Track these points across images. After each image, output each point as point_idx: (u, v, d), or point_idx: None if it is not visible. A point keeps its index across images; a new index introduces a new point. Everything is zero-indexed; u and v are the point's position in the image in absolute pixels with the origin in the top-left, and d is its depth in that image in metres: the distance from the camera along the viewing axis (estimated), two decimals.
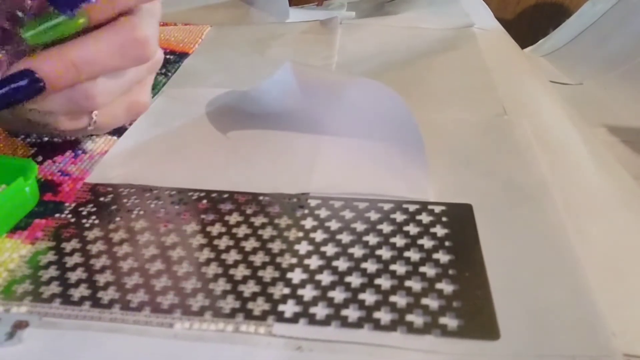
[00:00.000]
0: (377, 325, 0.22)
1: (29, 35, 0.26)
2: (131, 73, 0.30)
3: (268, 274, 0.25)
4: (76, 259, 0.26)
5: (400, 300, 0.23)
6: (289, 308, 0.23)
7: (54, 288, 0.25)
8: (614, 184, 0.32)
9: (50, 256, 0.26)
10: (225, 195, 0.30)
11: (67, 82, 0.27)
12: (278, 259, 0.26)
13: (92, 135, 0.35)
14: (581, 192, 0.31)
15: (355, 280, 0.25)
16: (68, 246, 0.27)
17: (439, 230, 0.27)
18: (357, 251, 0.26)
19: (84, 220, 0.28)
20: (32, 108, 0.28)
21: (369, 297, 0.24)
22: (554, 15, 0.80)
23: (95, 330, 0.23)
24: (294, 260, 0.26)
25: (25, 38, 0.26)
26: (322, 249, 0.26)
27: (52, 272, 0.25)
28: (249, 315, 0.23)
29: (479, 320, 0.22)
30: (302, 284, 0.24)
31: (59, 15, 0.26)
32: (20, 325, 0.23)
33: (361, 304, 0.23)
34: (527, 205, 0.29)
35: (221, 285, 0.24)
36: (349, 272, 0.25)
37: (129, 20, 0.28)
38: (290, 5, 0.62)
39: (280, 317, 0.23)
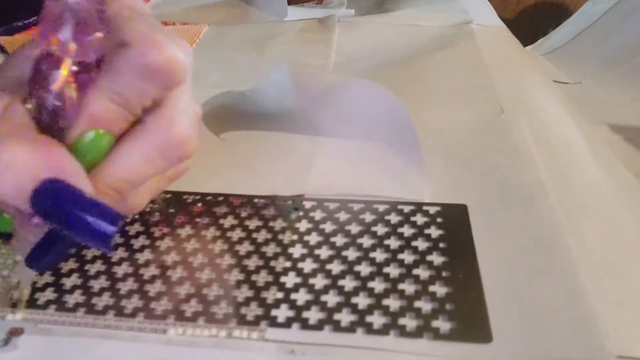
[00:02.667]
0: (370, 329, 0.22)
1: None
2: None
3: (262, 278, 0.25)
4: (71, 264, 0.26)
5: (393, 303, 0.23)
6: (282, 313, 0.23)
7: (49, 294, 0.25)
8: (615, 183, 0.32)
9: None
10: (220, 198, 0.30)
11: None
12: (272, 263, 0.26)
13: None
14: (580, 191, 0.31)
15: (348, 283, 0.25)
16: None
17: (434, 232, 0.27)
18: (351, 254, 0.26)
19: None
20: None
21: (362, 301, 0.24)
22: (555, 15, 0.79)
23: (89, 337, 0.23)
24: (288, 264, 0.26)
25: None
26: (316, 252, 0.26)
27: (47, 278, 0.25)
28: (242, 321, 0.23)
29: (471, 323, 0.22)
30: (296, 288, 0.24)
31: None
32: (15, 332, 0.23)
33: (354, 308, 0.23)
34: (522, 206, 0.29)
35: (215, 290, 0.24)
36: (342, 275, 0.25)
37: (163, 116, 0.23)
38: (289, 3, 0.62)
39: (273, 322, 0.23)
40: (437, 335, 0.22)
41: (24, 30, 0.62)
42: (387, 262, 0.26)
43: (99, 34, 0.22)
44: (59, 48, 0.21)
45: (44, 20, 0.21)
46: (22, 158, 0.20)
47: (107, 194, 0.22)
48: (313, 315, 0.23)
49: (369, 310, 0.23)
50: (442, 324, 0.22)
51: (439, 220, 0.28)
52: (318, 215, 0.29)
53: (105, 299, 0.24)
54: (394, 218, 0.28)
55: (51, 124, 0.22)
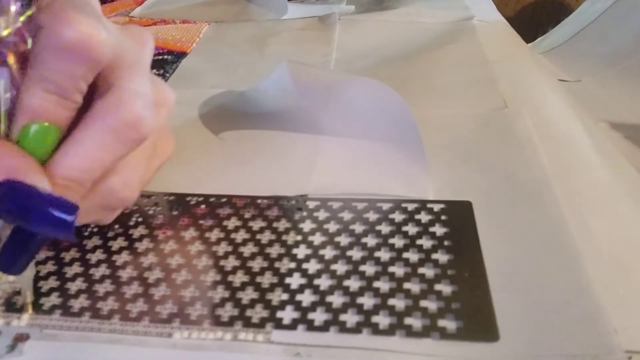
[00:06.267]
0: (376, 330, 0.22)
1: None
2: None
3: (266, 279, 0.25)
4: (75, 268, 0.26)
5: (398, 303, 0.23)
6: (288, 314, 0.23)
7: (54, 299, 0.25)
8: (618, 177, 0.32)
9: (50, 266, 0.26)
10: (224, 200, 0.30)
11: (73, 198, 0.22)
12: (276, 264, 0.26)
13: None
14: (585, 185, 0.30)
15: (353, 283, 0.24)
16: (67, 256, 0.27)
17: (438, 230, 0.27)
18: (356, 253, 0.26)
19: (82, 229, 0.28)
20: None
21: (367, 301, 0.24)
22: (554, 13, 0.79)
23: (95, 342, 0.23)
24: (293, 265, 0.26)
25: None
26: (321, 252, 0.26)
27: (52, 282, 0.25)
28: (248, 323, 0.23)
29: (478, 321, 0.22)
30: (301, 289, 0.24)
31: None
32: (21, 337, 0.23)
33: (359, 309, 0.23)
34: (528, 201, 0.29)
35: (220, 293, 0.24)
36: (347, 275, 0.25)
37: (111, 98, 0.23)
38: (288, 0, 0.62)
39: (279, 324, 0.23)
40: (443, 334, 0.22)
41: None
42: (392, 261, 0.25)
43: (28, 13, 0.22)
44: None
45: None
46: None
47: (67, 187, 0.22)
48: (318, 316, 0.23)
49: (375, 310, 0.23)
50: (449, 323, 0.22)
51: (443, 217, 0.28)
52: (322, 215, 0.29)
53: (110, 303, 0.24)
54: (398, 216, 0.28)
55: None
